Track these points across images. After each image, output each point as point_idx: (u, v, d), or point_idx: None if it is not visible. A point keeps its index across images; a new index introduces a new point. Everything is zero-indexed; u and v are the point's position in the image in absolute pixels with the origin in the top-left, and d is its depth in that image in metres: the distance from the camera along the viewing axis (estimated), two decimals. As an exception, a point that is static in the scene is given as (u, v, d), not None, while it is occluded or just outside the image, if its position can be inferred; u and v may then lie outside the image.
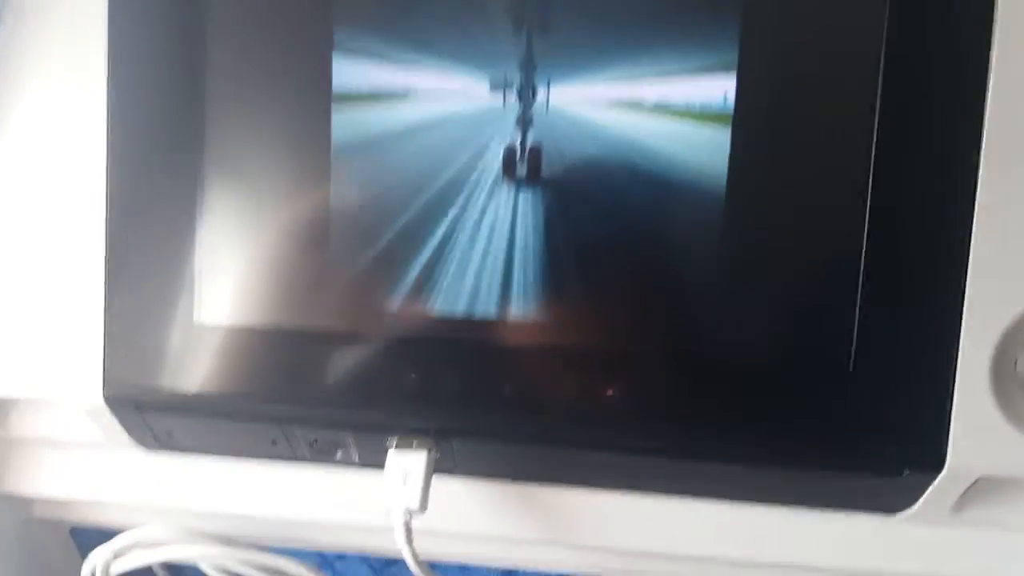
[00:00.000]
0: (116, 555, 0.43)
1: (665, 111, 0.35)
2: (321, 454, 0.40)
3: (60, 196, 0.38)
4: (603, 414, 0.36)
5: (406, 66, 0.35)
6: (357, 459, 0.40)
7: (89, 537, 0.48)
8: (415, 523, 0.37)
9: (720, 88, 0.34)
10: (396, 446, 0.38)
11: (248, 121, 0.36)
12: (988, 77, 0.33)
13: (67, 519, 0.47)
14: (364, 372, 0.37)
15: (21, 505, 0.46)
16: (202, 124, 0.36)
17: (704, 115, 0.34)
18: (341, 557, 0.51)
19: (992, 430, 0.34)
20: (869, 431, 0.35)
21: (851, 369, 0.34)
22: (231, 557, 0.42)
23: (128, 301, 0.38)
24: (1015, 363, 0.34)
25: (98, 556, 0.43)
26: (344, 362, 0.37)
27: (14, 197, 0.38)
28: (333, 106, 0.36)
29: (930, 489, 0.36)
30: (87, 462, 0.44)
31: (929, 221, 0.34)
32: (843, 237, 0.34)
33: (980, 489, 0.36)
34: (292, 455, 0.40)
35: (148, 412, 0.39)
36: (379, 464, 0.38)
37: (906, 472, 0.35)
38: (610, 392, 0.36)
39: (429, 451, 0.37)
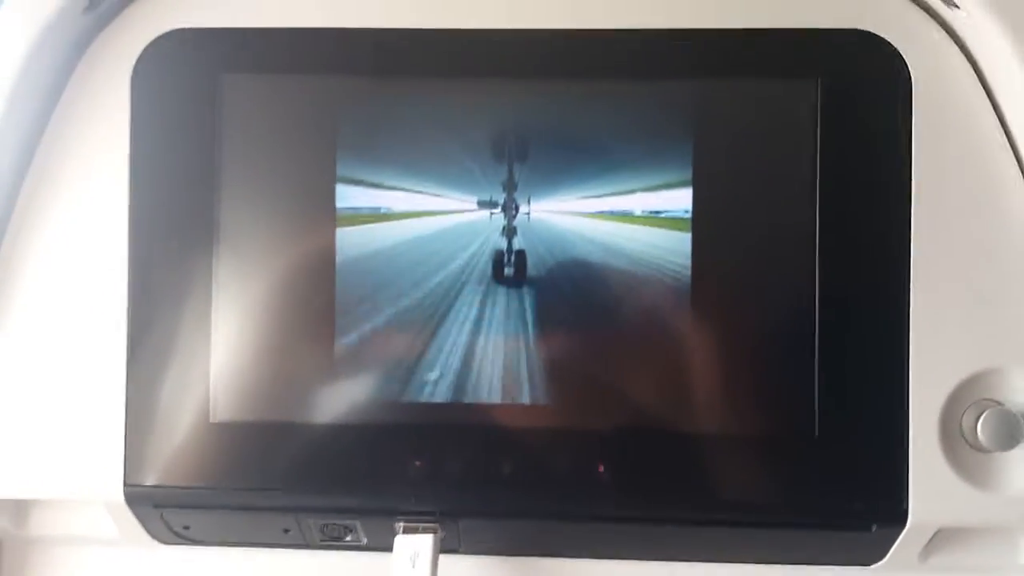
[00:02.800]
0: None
1: (633, 219, 0.39)
2: (331, 540, 0.42)
3: (81, 301, 0.41)
4: (595, 488, 0.39)
5: (402, 191, 0.40)
6: (366, 543, 0.42)
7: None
8: (424, 603, 0.40)
9: (678, 200, 0.39)
10: (403, 530, 0.40)
11: (257, 235, 0.40)
12: (911, 167, 0.38)
13: None
14: (371, 460, 0.40)
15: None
16: (216, 241, 0.40)
17: (667, 222, 0.39)
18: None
19: (945, 485, 0.38)
20: (838, 492, 0.38)
21: (816, 437, 0.38)
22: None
23: (148, 403, 0.40)
24: (960, 425, 0.39)
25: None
26: (352, 451, 0.40)
27: (36, 299, 0.41)
28: (337, 226, 0.40)
29: (898, 541, 0.39)
30: (101, 558, 0.45)
31: (873, 308, 0.38)
32: (798, 322, 0.38)
33: (943, 538, 0.40)
34: (303, 542, 0.43)
35: (166, 508, 0.41)
36: (387, 546, 0.40)
37: (875, 528, 0.39)
38: (601, 468, 0.39)
39: (435, 533, 0.40)
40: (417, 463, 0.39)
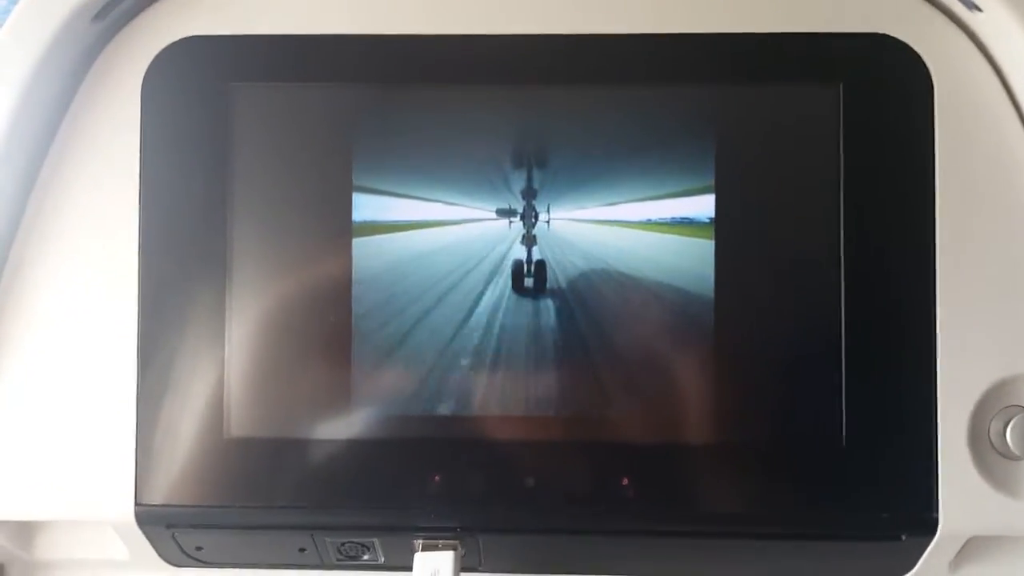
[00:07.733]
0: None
1: (654, 227, 0.39)
2: (348, 559, 0.41)
3: (91, 317, 0.40)
4: (619, 502, 0.38)
5: (419, 200, 0.39)
6: (383, 561, 0.41)
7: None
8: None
9: (701, 207, 0.38)
10: (423, 547, 0.39)
11: (272, 246, 0.39)
12: (935, 171, 0.38)
13: None
14: (389, 475, 0.39)
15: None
16: (229, 252, 0.39)
17: (689, 229, 0.38)
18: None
19: (975, 493, 0.37)
20: (866, 501, 0.38)
21: (843, 446, 0.38)
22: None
23: (159, 419, 0.39)
24: (988, 432, 0.38)
25: None
26: (370, 466, 0.39)
27: (46, 316, 0.40)
28: (353, 236, 0.39)
29: (927, 551, 0.39)
30: None
31: (899, 313, 0.38)
32: (823, 329, 0.38)
33: (974, 547, 0.39)
34: (320, 562, 0.42)
35: (178, 528, 0.40)
36: (406, 565, 0.39)
37: (904, 537, 0.38)
38: (625, 481, 0.38)
39: (455, 550, 0.39)
40: (436, 478, 0.38)
